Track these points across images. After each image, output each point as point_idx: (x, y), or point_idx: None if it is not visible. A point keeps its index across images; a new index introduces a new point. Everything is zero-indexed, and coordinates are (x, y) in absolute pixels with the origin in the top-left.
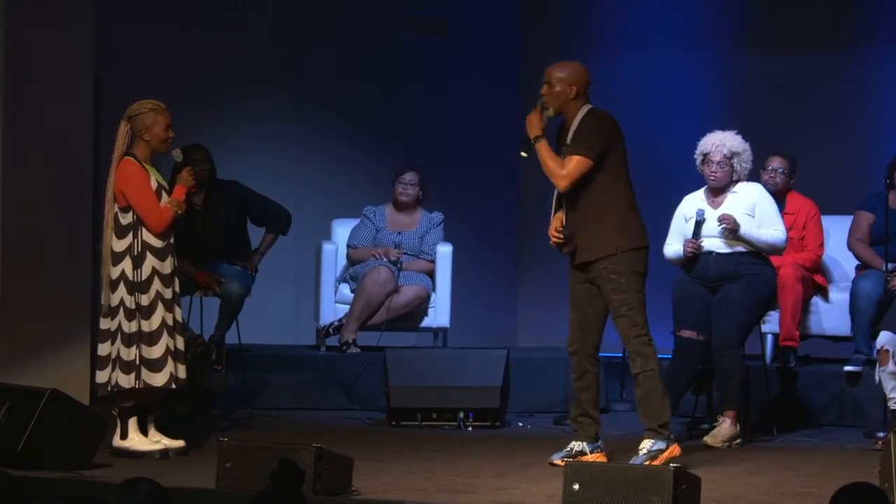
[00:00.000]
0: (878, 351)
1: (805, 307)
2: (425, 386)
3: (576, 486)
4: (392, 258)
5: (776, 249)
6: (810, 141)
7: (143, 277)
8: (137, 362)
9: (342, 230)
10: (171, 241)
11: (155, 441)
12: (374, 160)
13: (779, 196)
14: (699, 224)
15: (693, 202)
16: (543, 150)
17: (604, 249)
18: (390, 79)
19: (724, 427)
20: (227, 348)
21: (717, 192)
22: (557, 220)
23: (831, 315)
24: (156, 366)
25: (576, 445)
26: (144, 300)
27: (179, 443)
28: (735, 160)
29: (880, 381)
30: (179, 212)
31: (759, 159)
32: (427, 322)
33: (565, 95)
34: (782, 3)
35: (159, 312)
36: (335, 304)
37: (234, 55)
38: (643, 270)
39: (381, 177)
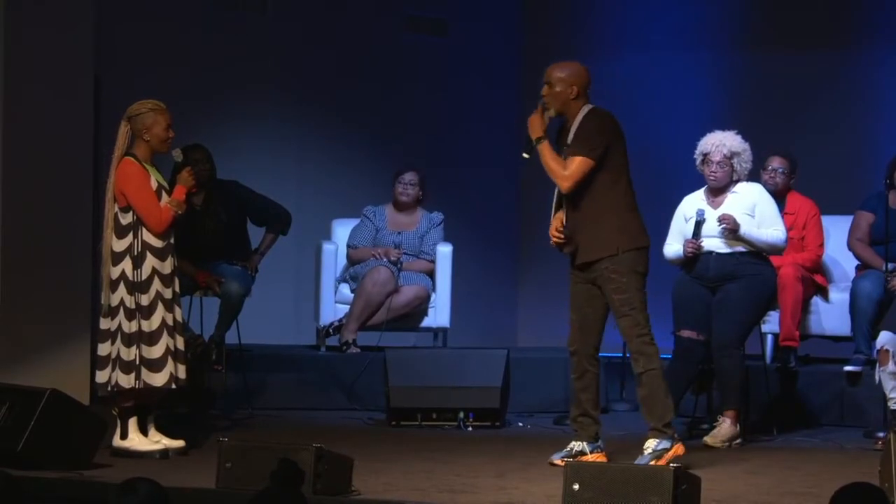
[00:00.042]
0: (878, 351)
1: (805, 307)
2: (425, 386)
3: (576, 486)
4: (392, 258)
5: (776, 249)
6: (810, 141)
7: (143, 277)
8: (137, 362)
9: (342, 230)
10: (171, 241)
11: (155, 441)
12: (374, 160)
13: (779, 196)
14: (699, 224)
15: (693, 202)
16: (545, 151)
17: (605, 250)
18: (390, 79)
19: (724, 427)
20: (227, 348)
21: (717, 192)
22: (558, 219)
23: (831, 315)
24: (156, 366)
25: (576, 445)
26: (144, 300)
27: (179, 443)
28: (735, 160)
29: (880, 381)
30: (179, 212)
31: (759, 159)
32: (427, 322)
33: (566, 96)
34: (782, 3)
35: (159, 312)
36: (335, 304)
37: (234, 55)
38: (644, 270)
39: (381, 177)
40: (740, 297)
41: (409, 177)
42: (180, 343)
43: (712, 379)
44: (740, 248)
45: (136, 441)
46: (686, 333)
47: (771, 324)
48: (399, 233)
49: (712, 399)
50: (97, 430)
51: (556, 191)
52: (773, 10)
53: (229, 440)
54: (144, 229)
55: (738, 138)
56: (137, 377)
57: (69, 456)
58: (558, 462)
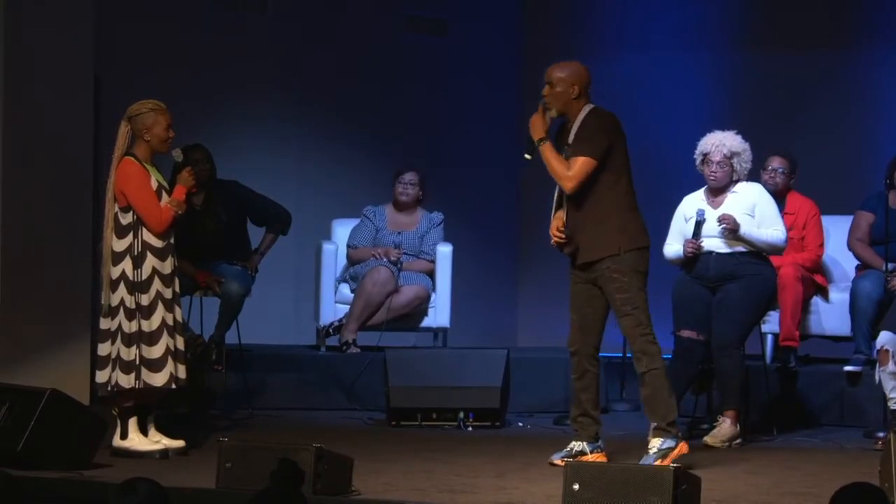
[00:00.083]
0: (878, 351)
1: (805, 307)
2: (425, 386)
3: (576, 486)
4: (392, 258)
5: (776, 249)
6: (810, 141)
7: (144, 277)
8: (137, 362)
9: (342, 230)
10: (172, 241)
11: (155, 441)
12: (374, 160)
13: (779, 196)
14: (699, 224)
15: (693, 202)
16: (548, 151)
17: (606, 249)
18: (390, 79)
19: (724, 427)
20: (227, 348)
21: (717, 192)
22: (558, 219)
23: (831, 315)
24: (156, 366)
25: (576, 445)
26: (144, 300)
27: (179, 443)
28: (735, 160)
29: (880, 381)
30: (180, 212)
31: (759, 159)
32: (427, 322)
33: (567, 95)
34: (782, 3)
35: (159, 312)
36: (335, 304)
37: (234, 55)
38: (645, 270)
39: (381, 177)
40: (740, 297)
41: (409, 177)
42: (180, 343)
43: (712, 379)
44: (740, 248)
45: (136, 441)
46: (686, 333)
47: (771, 324)
48: (399, 233)
49: (712, 399)
50: (97, 430)
51: (556, 190)
52: (773, 10)
53: (229, 440)
54: (145, 229)
55: (738, 138)
56: (137, 377)
57: (69, 456)
58: (558, 462)
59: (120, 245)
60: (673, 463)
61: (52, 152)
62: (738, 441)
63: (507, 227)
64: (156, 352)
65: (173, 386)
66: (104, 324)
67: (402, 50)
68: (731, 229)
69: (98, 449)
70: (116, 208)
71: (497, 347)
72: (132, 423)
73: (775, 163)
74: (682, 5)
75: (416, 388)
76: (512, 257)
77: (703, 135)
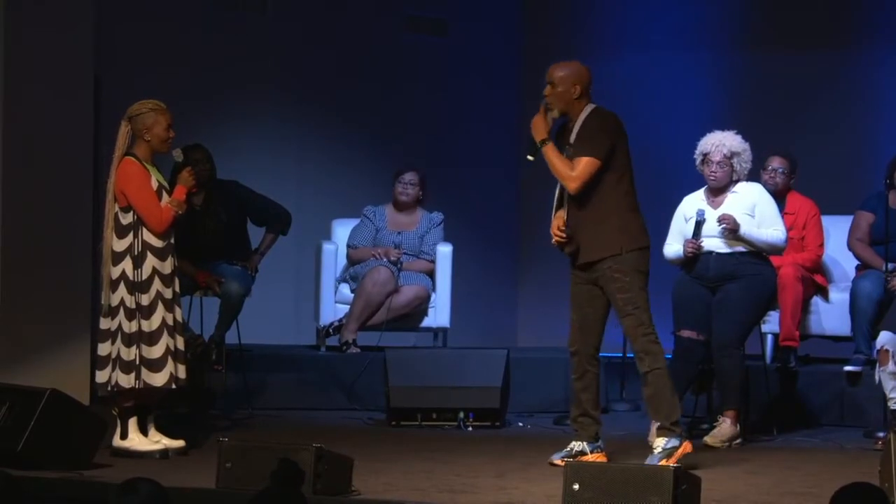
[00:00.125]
0: (878, 351)
1: (805, 307)
2: (425, 386)
3: (576, 486)
4: (392, 258)
5: (776, 249)
6: (810, 141)
7: (144, 277)
8: (137, 362)
9: (342, 230)
10: (172, 241)
11: (155, 441)
12: (374, 160)
13: (779, 196)
14: (699, 224)
15: (693, 202)
16: (551, 152)
17: (608, 249)
18: (390, 79)
19: (724, 427)
20: (227, 348)
21: (717, 192)
22: (559, 218)
23: (831, 315)
24: (156, 366)
25: (576, 445)
26: (145, 300)
27: (179, 443)
28: (735, 160)
29: (880, 381)
30: (180, 212)
31: (759, 159)
32: (427, 322)
33: (570, 95)
34: (782, 3)
35: (159, 312)
36: (335, 304)
37: (234, 55)
38: (646, 269)
39: (381, 177)
40: (740, 297)
41: (409, 177)
42: (180, 343)
43: (712, 379)
44: (740, 248)
45: (136, 441)
46: (686, 333)
47: (771, 324)
48: (399, 233)
49: (712, 399)
50: (97, 430)
51: (557, 190)
52: (773, 10)
53: (229, 440)
54: (145, 229)
55: (738, 138)
56: (137, 377)
57: (69, 456)
58: (558, 462)
59: (120, 245)
60: (676, 462)
61: (52, 152)
62: (738, 441)
63: (507, 227)
64: (156, 352)
65: (173, 386)
66: (104, 324)
67: (402, 50)
68: (730, 229)
69: (98, 449)
70: (117, 208)
71: (497, 347)
72: (132, 423)
73: (775, 163)
74: (682, 5)
75: (416, 388)
76: (512, 257)
77: (703, 135)
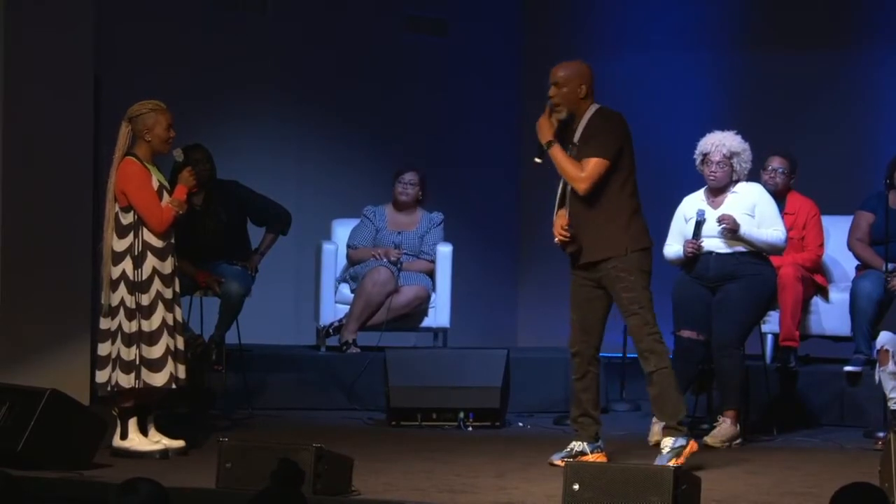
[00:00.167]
0: (878, 351)
1: (805, 307)
2: (425, 386)
3: (576, 486)
4: (392, 258)
5: (776, 249)
6: (810, 141)
7: (144, 277)
8: (137, 362)
9: (342, 230)
10: (172, 240)
11: (155, 441)
12: (374, 160)
13: (779, 196)
14: (699, 224)
15: (693, 202)
16: (558, 154)
17: (612, 249)
18: (390, 79)
19: (724, 427)
20: (227, 348)
21: (717, 192)
22: (562, 217)
23: (831, 315)
24: (156, 366)
25: (576, 445)
26: (145, 300)
27: (179, 443)
28: (735, 160)
29: (880, 381)
30: (181, 211)
31: (759, 159)
32: (427, 322)
33: (576, 95)
34: (782, 3)
35: (159, 312)
36: (335, 304)
37: (234, 55)
38: (649, 270)
39: (381, 177)
40: (740, 297)
41: (409, 177)
42: (180, 343)
43: (712, 379)
44: (740, 248)
45: (136, 441)
46: (686, 333)
47: (771, 324)
48: (399, 233)
49: (712, 399)
50: (97, 430)
51: (559, 189)
52: (773, 10)
53: (229, 440)
54: (145, 229)
55: (738, 138)
56: (137, 377)
57: (69, 456)
58: (558, 462)
59: (120, 245)
60: (685, 461)
61: (52, 152)
62: (738, 441)
63: (507, 227)
64: (156, 352)
65: (173, 386)
66: (104, 324)
67: (402, 50)
68: (730, 229)
69: (98, 449)
70: (117, 208)
71: (497, 347)
72: (132, 423)
73: (775, 163)
74: (682, 5)
75: (416, 388)
76: (512, 257)
77: (703, 135)
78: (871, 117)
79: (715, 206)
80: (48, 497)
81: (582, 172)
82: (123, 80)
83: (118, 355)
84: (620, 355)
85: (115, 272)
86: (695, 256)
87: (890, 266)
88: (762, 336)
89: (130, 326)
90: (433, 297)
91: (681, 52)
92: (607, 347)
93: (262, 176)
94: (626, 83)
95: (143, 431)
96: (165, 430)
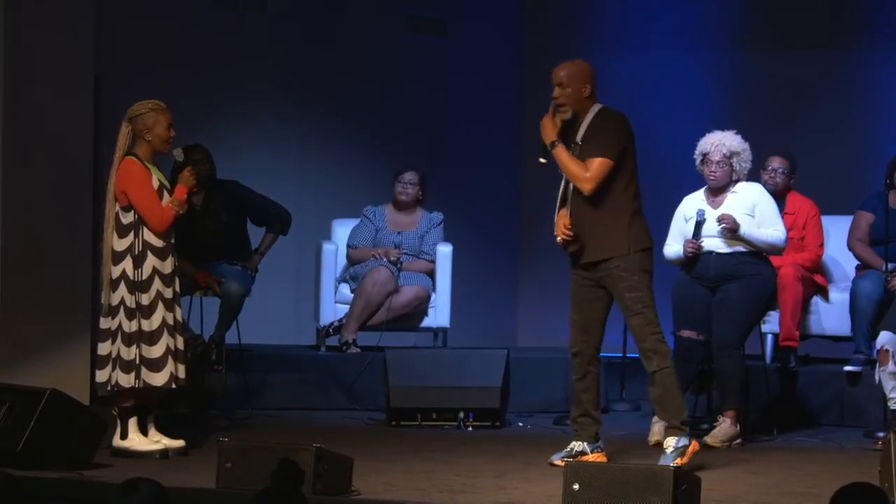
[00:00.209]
0: (878, 351)
1: (805, 307)
2: (425, 386)
3: (576, 486)
4: (392, 258)
5: (776, 249)
6: (810, 141)
7: (144, 277)
8: (137, 362)
9: (342, 230)
10: (172, 240)
11: (155, 441)
12: (374, 160)
13: (779, 196)
14: (699, 224)
15: (693, 202)
16: (562, 154)
17: (615, 249)
18: (390, 79)
19: (724, 427)
20: (227, 348)
21: (717, 191)
22: (564, 217)
23: (831, 315)
24: (156, 365)
25: (576, 445)
26: (145, 300)
27: (179, 443)
28: (734, 160)
29: (880, 381)
30: (181, 211)
31: (759, 159)
32: (427, 322)
33: (581, 94)
34: (782, 3)
35: (160, 312)
36: (335, 304)
37: (234, 55)
38: (651, 270)
39: (381, 177)
40: (740, 297)
41: (409, 176)
42: (180, 343)
43: (712, 379)
44: (740, 248)
45: (136, 441)
46: (686, 333)
47: (771, 324)
48: (399, 233)
49: (712, 399)
50: (97, 430)
51: (561, 188)
52: (773, 10)
53: (229, 440)
54: (145, 229)
55: (738, 138)
56: (137, 377)
57: (69, 456)
58: (558, 462)
59: (121, 244)
60: (689, 461)
61: (52, 152)
62: (738, 441)
63: (507, 227)
64: (156, 351)
65: (173, 386)
66: (104, 323)
67: (402, 50)
68: (730, 229)
69: (98, 449)
70: (117, 208)
71: (497, 347)
72: (132, 423)
73: (775, 163)
74: (682, 5)
75: (416, 388)
76: (512, 257)
77: (703, 135)
78: (871, 117)
79: (715, 205)
80: (48, 497)
81: (587, 173)
82: (123, 80)
83: (118, 355)
84: (620, 355)
85: (116, 272)
86: (695, 256)
87: (890, 266)
88: (762, 336)
89: (130, 326)
90: (433, 297)
91: (681, 52)
92: (607, 347)
93: (262, 176)
94: (626, 83)
95: (143, 431)
96: (165, 430)
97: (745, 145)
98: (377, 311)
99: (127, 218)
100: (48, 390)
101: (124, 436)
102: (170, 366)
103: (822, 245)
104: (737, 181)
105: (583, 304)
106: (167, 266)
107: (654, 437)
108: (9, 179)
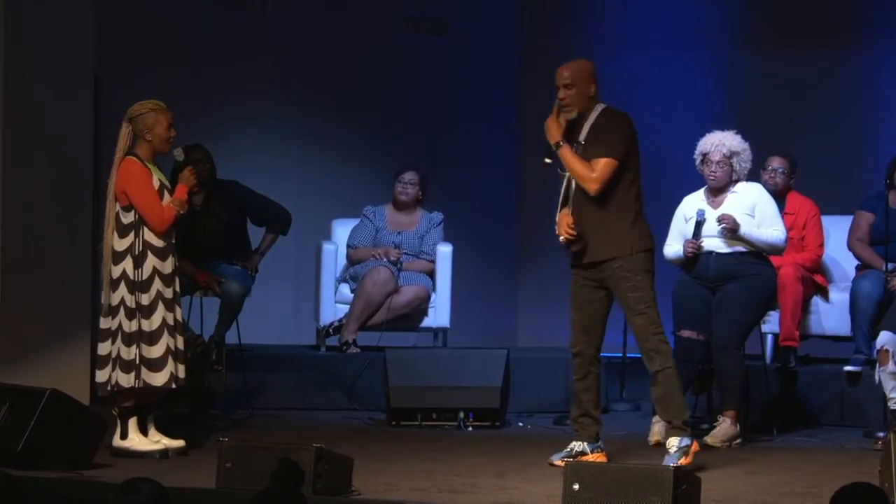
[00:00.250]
0: (878, 351)
1: (805, 307)
2: (425, 386)
3: (576, 486)
4: (392, 258)
5: (776, 249)
6: (810, 141)
7: (144, 277)
8: (137, 362)
9: (342, 230)
10: (172, 240)
11: (155, 441)
12: (374, 160)
13: (779, 196)
14: (699, 224)
15: (693, 202)
16: (568, 154)
17: (618, 249)
18: (390, 79)
19: (724, 427)
20: (227, 348)
21: (717, 191)
22: (567, 216)
23: (831, 315)
24: (156, 365)
25: (576, 445)
26: (145, 300)
27: (179, 443)
28: (734, 160)
29: (880, 381)
30: (182, 211)
31: (759, 159)
32: (427, 322)
33: (587, 94)
34: (782, 3)
35: (160, 312)
36: (335, 304)
37: (234, 55)
38: (653, 270)
39: (381, 177)
40: (740, 297)
41: (409, 176)
42: (180, 343)
43: (712, 379)
44: (740, 248)
45: (136, 441)
46: (686, 333)
47: (771, 324)
48: (399, 233)
49: (712, 399)
50: (97, 430)
51: (562, 187)
52: (773, 10)
53: (229, 440)
54: (146, 229)
55: (738, 138)
56: (137, 377)
57: (69, 456)
58: (558, 462)
59: (121, 244)
60: (691, 460)
61: (52, 152)
62: (738, 441)
63: (507, 227)
64: (156, 351)
65: (173, 386)
66: (104, 323)
67: (402, 50)
68: (730, 229)
69: (98, 449)
70: (118, 208)
71: (497, 347)
72: (132, 423)
73: (775, 163)
74: (682, 5)
75: (416, 388)
76: (512, 257)
77: (703, 135)
78: (871, 117)
79: (715, 205)
80: (48, 497)
81: (593, 173)
82: (123, 80)
83: (118, 355)
84: (621, 355)
85: (116, 272)
86: (695, 256)
87: (890, 266)
88: (762, 336)
89: (130, 326)
90: (433, 297)
91: (681, 52)
92: (608, 347)
93: (262, 176)
94: (626, 83)
95: (143, 431)
96: (165, 430)
97: (745, 145)
98: (377, 311)
99: (127, 218)
100: (48, 390)
101: (124, 436)
102: (170, 366)
103: (822, 245)
104: (737, 181)
105: (583, 305)
106: (167, 266)
107: (654, 437)
108: (9, 179)
